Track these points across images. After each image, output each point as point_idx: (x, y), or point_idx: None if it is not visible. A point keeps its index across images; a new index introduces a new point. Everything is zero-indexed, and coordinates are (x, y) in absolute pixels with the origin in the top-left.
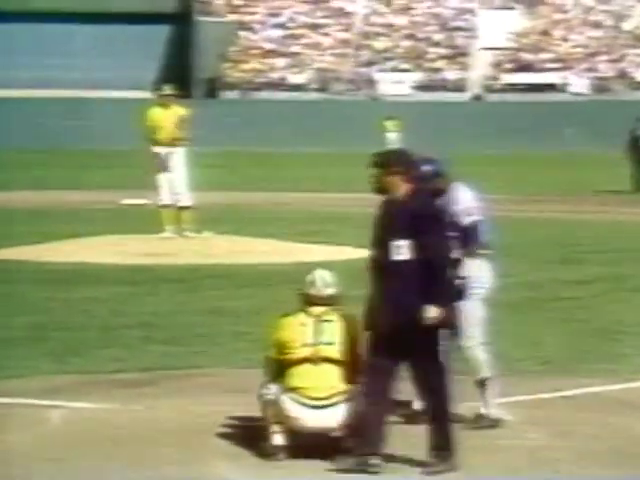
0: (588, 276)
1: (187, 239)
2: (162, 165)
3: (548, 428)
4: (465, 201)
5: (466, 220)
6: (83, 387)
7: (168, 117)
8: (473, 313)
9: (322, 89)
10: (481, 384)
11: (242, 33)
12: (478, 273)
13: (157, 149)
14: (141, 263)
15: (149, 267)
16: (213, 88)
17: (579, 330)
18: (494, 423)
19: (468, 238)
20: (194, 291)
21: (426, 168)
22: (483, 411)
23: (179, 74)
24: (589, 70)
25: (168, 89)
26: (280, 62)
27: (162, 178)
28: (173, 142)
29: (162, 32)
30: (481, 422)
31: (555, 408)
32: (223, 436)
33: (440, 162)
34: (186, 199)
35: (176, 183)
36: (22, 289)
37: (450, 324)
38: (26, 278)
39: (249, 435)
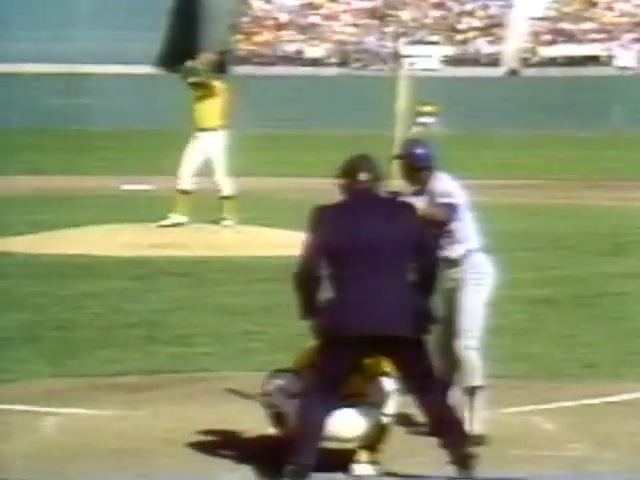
0: (639, 269)
1: (198, 230)
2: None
3: (592, 437)
4: (450, 192)
5: (453, 212)
6: (80, 392)
7: (201, 97)
8: (477, 311)
9: (342, 64)
10: (471, 392)
11: (255, 2)
12: (481, 269)
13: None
14: (144, 255)
15: (152, 260)
16: (222, 62)
17: (627, 329)
18: (479, 440)
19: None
20: (201, 286)
21: (419, 151)
22: (467, 427)
23: (185, 47)
24: (637, 41)
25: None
26: (296, 34)
27: (186, 161)
28: (210, 125)
29: (167, 1)
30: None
31: (600, 415)
32: (232, 446)
33: (432, 145)
34: (227, 188)
35: (215, 170)
36: (12, 284)
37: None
38: (17, 272)
39: (261, 446)
